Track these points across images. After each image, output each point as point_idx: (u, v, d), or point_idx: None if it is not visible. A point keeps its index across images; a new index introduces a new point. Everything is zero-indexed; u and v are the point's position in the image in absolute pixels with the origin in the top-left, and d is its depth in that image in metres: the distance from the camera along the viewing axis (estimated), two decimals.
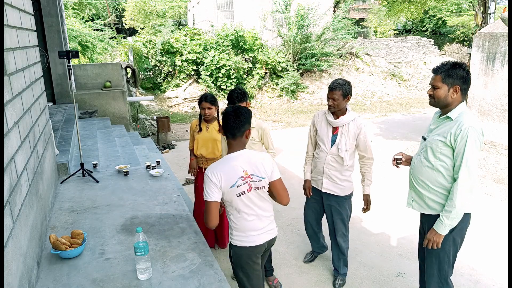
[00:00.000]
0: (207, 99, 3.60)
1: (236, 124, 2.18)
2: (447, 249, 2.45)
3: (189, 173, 3.93)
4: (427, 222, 2.55)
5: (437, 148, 2.37)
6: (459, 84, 2.32)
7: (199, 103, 3.64)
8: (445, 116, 2.39)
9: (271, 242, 2.37)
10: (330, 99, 2.99)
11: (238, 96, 3.11)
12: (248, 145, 3.05)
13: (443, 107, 2.40)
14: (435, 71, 2.40)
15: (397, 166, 2.73)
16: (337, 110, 3.02)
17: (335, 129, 3.10)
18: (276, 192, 2.25)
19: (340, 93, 2.94)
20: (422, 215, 2.62)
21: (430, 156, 2.42)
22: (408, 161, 2.68)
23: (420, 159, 2.51)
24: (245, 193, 2.17)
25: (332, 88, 2.97)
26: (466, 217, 2.40)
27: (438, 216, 2.42)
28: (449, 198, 2.33)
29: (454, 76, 2.31)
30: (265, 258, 2.48)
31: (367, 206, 3.20)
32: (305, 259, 3.75)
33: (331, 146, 3.11)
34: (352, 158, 3.15)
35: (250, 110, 2.32)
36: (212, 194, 2.10)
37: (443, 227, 2.35)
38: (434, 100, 2.41)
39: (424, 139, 2.54)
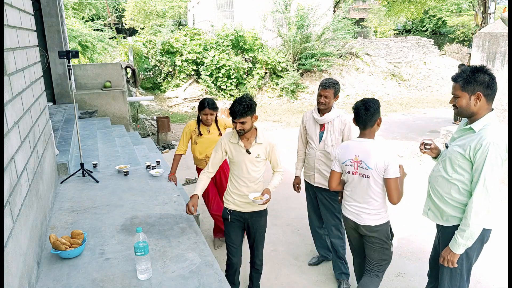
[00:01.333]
0: (209, 106, 3.55)
1: (367, 117, 2.48)
2: (459, 263, 2.33)
3: (168, 180, 3.68)
4: (442, 233, 2.45)
5: (456, 160, 2.24)
6: (481, 91, 2.14)
7: (201, 109, 3.59)
8: (468, 127, 2.23)
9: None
10: (322, 96, 3.12)
11: (240, 111, 2.57)
12: (252, 163, 2.78)
13: (469, 116, 2.24)
14: (454, 79, 2.24)
15: (423, 152, 2.56)
16: (326, 108, 3.16)
17: (322, 126, 3.26)
18: (387, 189, 2.49)
19: (332, 91, 3.11)
20: (438, 225, 2.50)
21: (448, 167, 2.30)
22: (434, 151, 2.54)
23: (439, 168, 2.40)
24: (350, 173, 2.59)
25: (325, 86, 3.11)
26: (484, 233, 2.27)
27: (452, 227, 2.32)
28: (463, 216, 2.21)
29: (474, 82, 2.14)
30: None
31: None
32: (310, 261, 3.73)
33: (319, 142, 3.27)
34: None
35: (378, 101, 2.53)
36: (334, 165, 2.69)
37: (457, 246, 2.23)
38: (457, 110, 2.26)
39: (447, 147, 2.41)
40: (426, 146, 2.54)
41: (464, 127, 2.29)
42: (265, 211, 2.99)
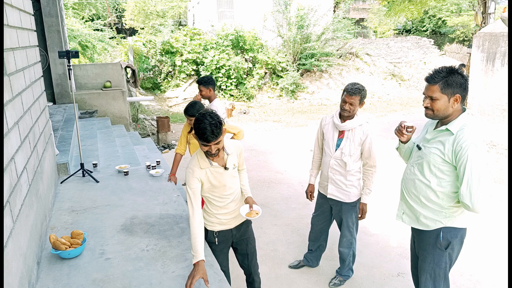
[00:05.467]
0: (188, 113, 3.32)
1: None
2: (443, 266, 2.34)
3: (168, 180, 3.64)
4: (418, 237, 2.44)
5: (435, 163, 2.19)
6: (459, 93, 2.09)
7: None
8: (444, 128, 2.16)
9: None
10: (347, 103, 2.92)
11: (214, 132, 2.17)
12: (231, 176, 2.47)
13: (444, 118, 2.18)
14: (431, 79, 2.14)
15: (401, 134, 2.42)
16: (350, 115, 2.97)
17: (341, 133, 3.06)
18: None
19: (358, 98, 2.90)
20: (413, 229, 2.49)
21: (425, 171, 2.25)
22: (410, 136, 2.44)
23: (414, 171, 2.34)
24: None
25: (351, 93, 2.89)
26: (461, 232, 2.30)
27: (429, 232, 2.32)
28: (466, 205, 2.14)
29: (454, 84, 2.08)
30: None
31: (361, 215, 3.16)
32: (292, 264, 3.67)
33: (336, 150, 3.07)
34: (356, 163, 3.07)
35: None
36: None
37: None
38: (433, 113, 2.17)
39: (419, 148, 2.35)
40: (408, 129, 2.40)
41: (439, 128, 2.21)
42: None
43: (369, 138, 2.99)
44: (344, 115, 2.99)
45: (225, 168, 2.40)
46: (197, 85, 4.34)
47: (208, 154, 2.28)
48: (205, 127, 2.14)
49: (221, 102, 4.56)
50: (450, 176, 2.17)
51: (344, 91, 2.95)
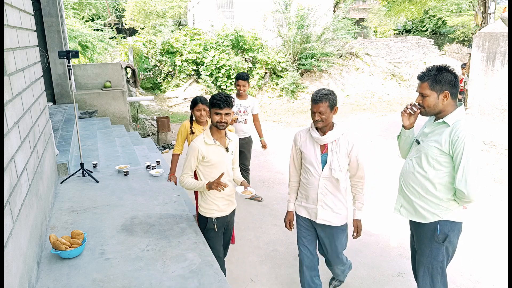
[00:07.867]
0: (202, 101, 3.45)
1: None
2: (440, 259, 2.38)
3: (168, 180, 3.61)
4: (415, 229, 2.49)
5: (433, 155, 2.27)
6: (448, 89, 2.21)
7: (193, 106, 3.49)
8: (441, 121, 2.27)
9: None
10: (316, 113, 2.54)
11: (227, 100, 2.58)
12: (229, 160, 2.75)
13: (436, 114, 2.31)
14: (421, 78, 2.27)
15: (404, 111, 2.44)
16: (325, 125, 2.59)
17: (323, 147, 2.66)
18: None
19: (327, 104, 2.51)
20: (411, 223, 2.54)
21: (423, 163, 2.33)
22: (414, 120, 2.46)
23: (413, 164, 2.41)
24: None
25: (317, 100, 2.52)
26: (458, 226, 2.35)
27: (427, 225, 2.37)
28: (457, 198, 2.27)
29: (442, 81, 2.21)
30: None
31: (357, 233, 2.82)
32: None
33: (323, 168, 2.65)
34: (347, 178, 2.75)
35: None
36: None
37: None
38: (425, 109, 2.32)
39: (418, 142, 2.42)
40: (413, 108, 2.39)
41: (437, 121, 2.32)
42: None
43: (356, 148, 2.65)
44: (319, 127, 2.61)
45: (226, 149, 2.68)
46: (237, 81, 4.63)
47: (218, 125, 2.57)
48: (220, 96, 2.57)
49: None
50: (448, 167, 2.26)
51: (310, 101, 2.61)
